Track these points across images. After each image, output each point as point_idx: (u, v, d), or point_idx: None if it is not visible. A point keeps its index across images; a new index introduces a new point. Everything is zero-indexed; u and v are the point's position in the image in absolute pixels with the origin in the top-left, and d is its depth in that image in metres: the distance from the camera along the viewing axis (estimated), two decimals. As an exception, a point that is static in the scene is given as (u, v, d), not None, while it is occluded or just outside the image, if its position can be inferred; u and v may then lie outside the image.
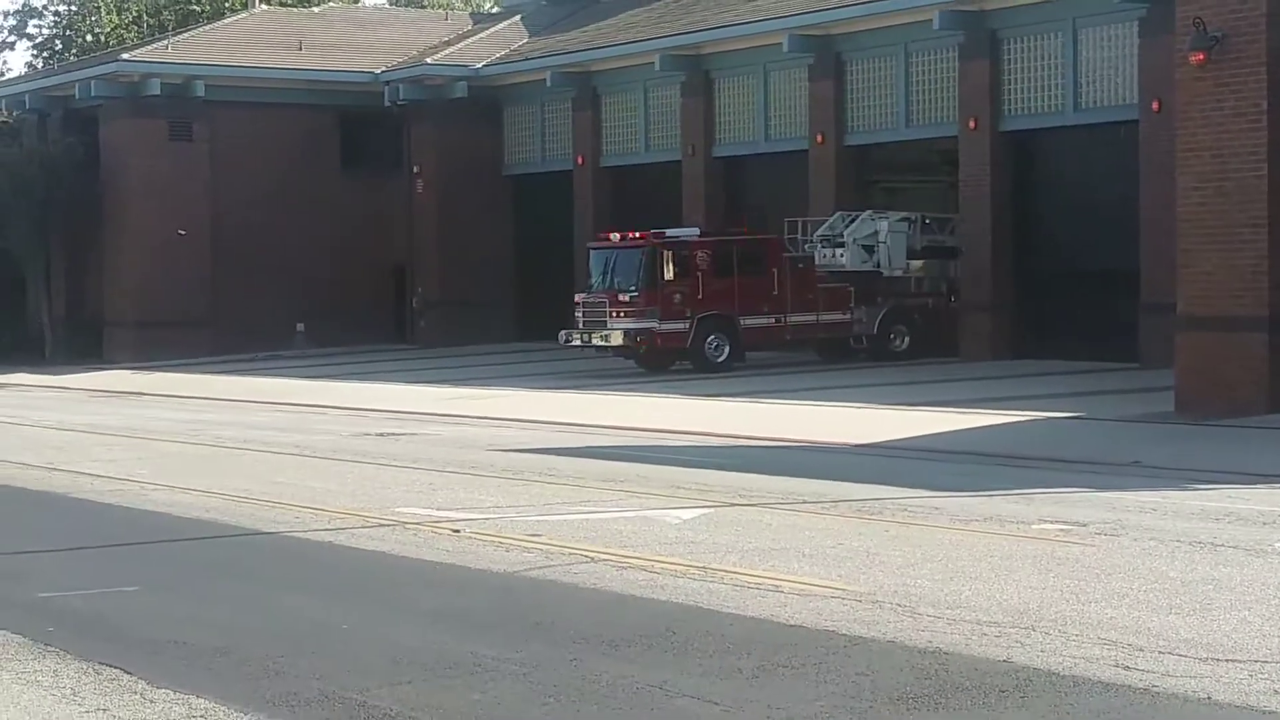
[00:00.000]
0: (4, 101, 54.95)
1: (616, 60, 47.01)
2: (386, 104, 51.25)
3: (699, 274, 36.53)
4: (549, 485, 18.57)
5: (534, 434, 25.55)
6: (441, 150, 50.85)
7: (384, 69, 52.05)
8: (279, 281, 49.61)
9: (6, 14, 73.67)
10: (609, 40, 48.16)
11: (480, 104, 50.82)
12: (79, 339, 51.27)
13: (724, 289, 36.71)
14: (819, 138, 41.45)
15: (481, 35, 54.36)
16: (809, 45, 41.44)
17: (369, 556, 13.96)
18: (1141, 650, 9.83)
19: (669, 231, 37.62)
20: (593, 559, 13.29)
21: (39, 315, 53.37)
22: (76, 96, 51.30)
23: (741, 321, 36.90)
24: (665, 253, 36.42)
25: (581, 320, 37.36)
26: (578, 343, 37.55)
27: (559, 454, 22.17)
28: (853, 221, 38.28)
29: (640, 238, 36.92)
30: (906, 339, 38.26)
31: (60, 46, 71.76)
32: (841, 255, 37.89)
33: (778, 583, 12.08)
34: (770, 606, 11.27)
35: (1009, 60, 37.52)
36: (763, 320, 37.11)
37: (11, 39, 73.60)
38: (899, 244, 37.85)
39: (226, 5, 67.39)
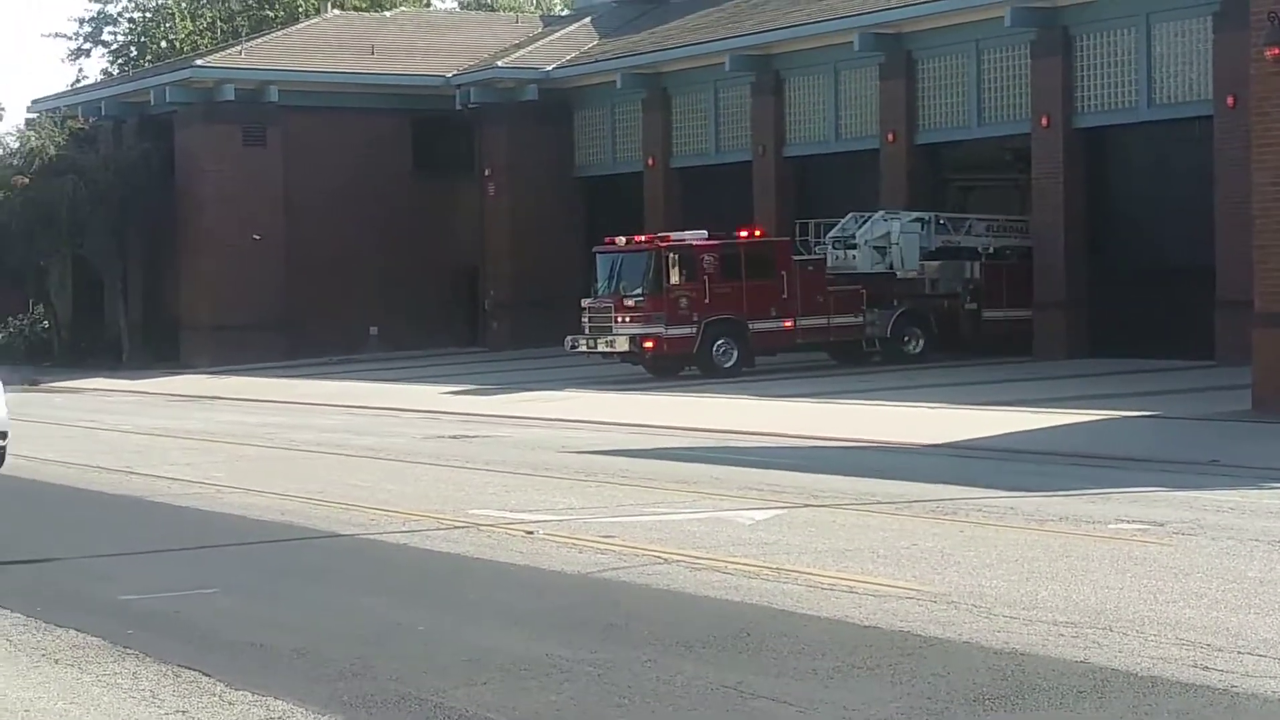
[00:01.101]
0: (80, 108, 55.50)
1: (687, 61, 47.00)
2: (458, 107, 51.45)
3: (706, 277, 35.93)
4: (621, 487, 18.59)
5: (605, 436, 25.58)
6: (512, 152, 51.00)
7: (455, 72, 52.24)
8: (352, 285, 49.89)
9: (82, 21, 74.18)
10: (679, 41, 48.17)
11: (551, 106, 50.93)
12: (155, 343, 51.72)
13: (731, 293, 36.10)
14: (890, 136, 41.30)
15: (552, 37, 54.49)
16: (880, 44, 41.29)
17: (444, 558, 14.02)
18: (1220, 650, 9.76)
19: (675, 235, 37.11)
20: (666, 560, 13.31)
21: (116, 320, 53.89)
22: (152, 103, 51.79)
23: (750, 326, 36.25)
24: (670, 256, 35.84)
25: (588, 325, 36.84)
26: (583, 348, 36.95)
27: (630, 455, 22.19)
28: (865, 223, 37.80)
29: (646, 241, 36.54)
30: (921, 342, 37.47)
31: (135, 53, 72.36)
32: (854, 257, 37.33)
33: (852, 584, 12.05)
34: (845, 607, 11.25)
35: (1081, 56, 37.25)
36: (772, 324, 36.43)
37: (87, 46, 74.23)
38: (912, 245, 37.17)
39: (300, 10, 67.81)
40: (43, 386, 46.79)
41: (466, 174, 52.06)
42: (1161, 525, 14.63)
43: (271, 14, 68.82)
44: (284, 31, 57.98)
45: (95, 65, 74.26)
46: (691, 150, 47.84)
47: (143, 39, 72.23)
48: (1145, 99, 36.06)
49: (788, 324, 36.52)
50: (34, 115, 58.31)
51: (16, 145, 55.11)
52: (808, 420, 25.98)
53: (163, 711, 9.10)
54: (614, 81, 48.60)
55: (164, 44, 70.05)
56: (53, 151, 51.85)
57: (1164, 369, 32.02)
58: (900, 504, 16.49)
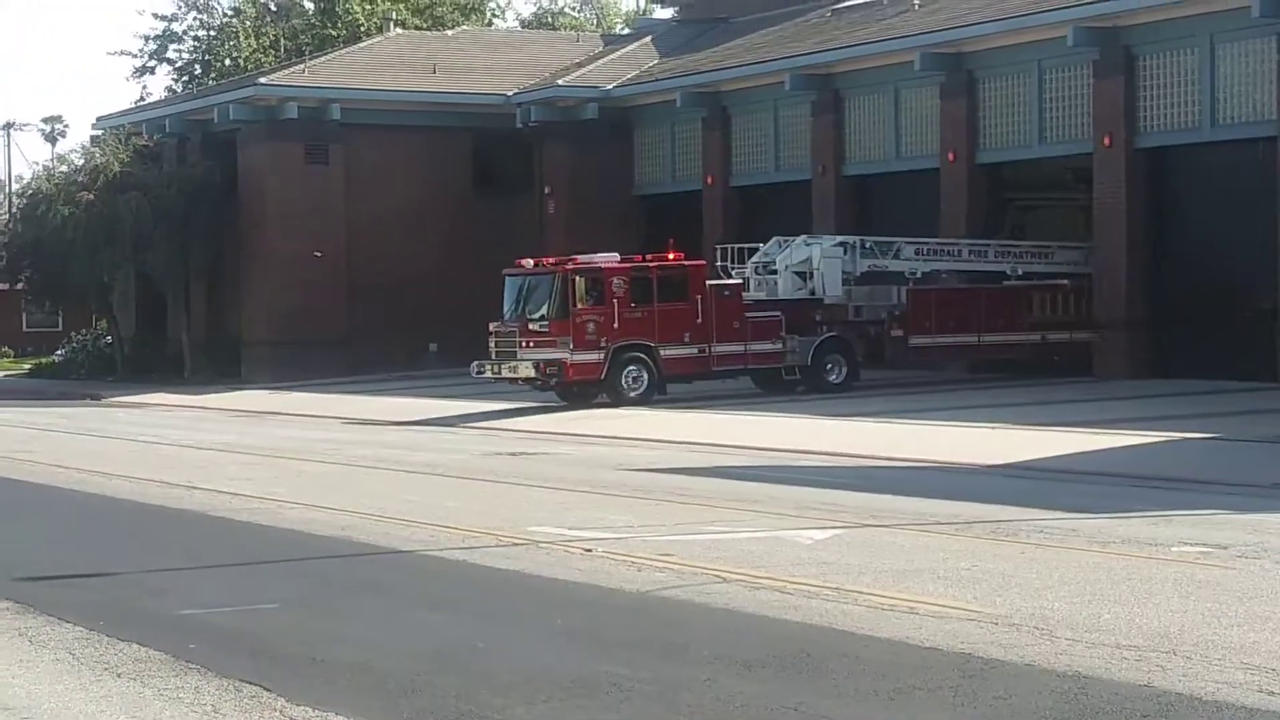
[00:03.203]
0: (145, 125, 55.98)
1: (746, 80, 47.02)
2: (518, 125, 51.61)
3: (615, 301, 34.63)
4: (679, 505, 18.57)
5: (663, 454, 25.58)
6: (572, 171, 51.12)
7: (516, 91, 52.42)
8: (413, 301, 50.07)
9: (148, 39, 74.84)
10: (739, 60, 48.20)
11: (611, 124, 51.02)
12: (217, 359, 52.05)
13: (643, 317, 34.80)
14: (950, 156, 41.17)
15: (612, 56, 54.63)
16: (941, 63, 41.19)
17: (503, 575, 14.04)
18: (1286, 676, 9.66)
19: (582, 257, 35.56)
20: (725, 579, 13.28)
21: (178, 336, 54.27)
22: (215, 120, 52.17)
23: (661, 351, 34.96)
24: (577, 279, 34.59)
25: (493, 350, 35.66)
26: (489, 374, 35.86)
27: (688, 474, 22.18)
28: (787, 247, 37.00)
29: (553, 264, 35.37)
30: (844, 370, 36.32)
31: (199, 71, 73.02)
32: (775, 283, 36.42)
33: (912, 604, 12.00)
34: (905, 628, 11.20)
35: (1144, 76, 37.04)
36: (685, 350, 35.16)
37: (152, 64, 74.94)
38: (833, 270, 36.33)
39: (362, 29, 68.24)
40: (105, 401, 47.18)
41: (526, 192, 52.20)
42: (1225, 548, 14.51)
43: (335, 33, 69.29)
44: (347, 50, 58.36)
45: (160, 83, 74.96)
46: (751, 169, 47.82)
47: (207, 57, 72.86)
48: (1208, 119, 35.82)
49: (702, 350, 35.27)
50: (99, 132, 58.88)
51: (82, 162, 55.65)
52: (867, 440, 25.90)
53: (224, 726, 9.15)
54: (674, 100, 48.66)
55: (228, 62, 70.62)
56: (117, 168, 52.30)
57: (1225, 390, 31.78)
58: (960, 524, 16.40)
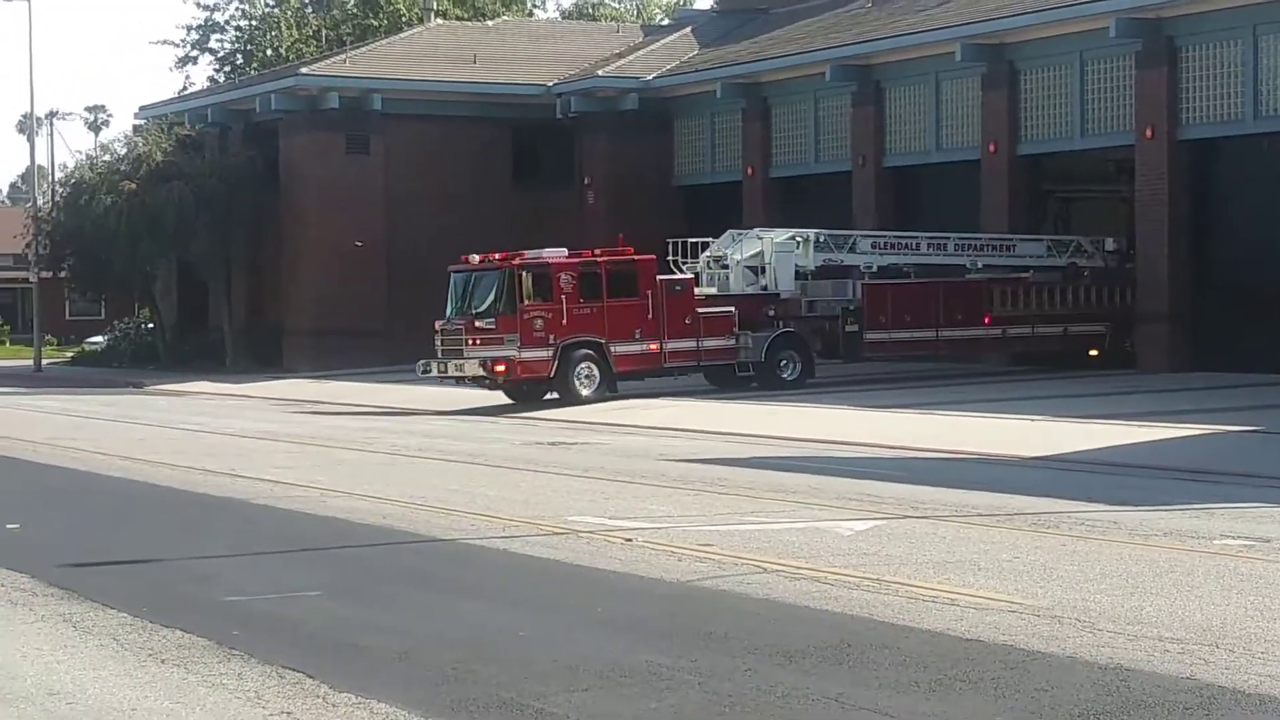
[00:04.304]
0: (187, 115, 56.25)
1: (787, 71, 46.98)
2: (558, 116, 51.68)
3: (563, 297, 33.92)
4: (719, 495, 18.58)
5: (703, 444, 25.59)
6: (612, 161, 51.16)
7: (556, 81, 52.48)
8: (452, 291, 50.12)
9: (190, 29, 75.13)
10: (779, 51, 48.15)
11: (651, 115, 51.05)
12: (258, 348, 52.28)
13: (592, 314, 34.16)
14: (991, 147, 41.06)
15: (652, 47, 54.63)
16: (982, 54, 41.07)
17: (543, 564, 14.08)
18: (1330, 670, 9.62)
19: (530, 253, 34.84)
20: (765, 569, 13.29)
21: (220, 324, 54.51)
22: (257, 110, 52.37)
23: (612, 348, 34.32)
24: (523, 275, 33.85)
25: (440, 349, 34.86)
26: (434, 373, 35.14)
27: (728, 464, 22.18)
28: (739, 241, 36.56)
29: (499, 260, 34.42)
30: (798, 366, 35.71)
31: (241, 61, 73.26)
32: (727, 277, 35.93)
33: (953, 596, 11.98)
34: (946, 620, 11.19)
35: (1187, 68, 36.87)
36: (636, 347, 34.52)
37: (194, 53, 75.25)
38: (786, 264, 35.88)
39: (403, 20, 68.38)
40: (147, 389, 47.43)
41: (566, 182, 52.25)
42: (1268, 541, 14.45)
43: (375, 23, 69.45)
44: (388, 40, 58.49)
45: (202, 73, 75.28)
46: (791, 160, 47.77)
47: (249, 47, 73.10)
48: (1251, 110, 35.64)
49: (653, 346, 34.65)
50: (141, 122, 59.25)
51: (125, 151, 55.94)
52: (908, 431, 25.86)
53: (267, 712, 9.19)
54: (714, 91, 48.64)
55: (269, 52, 70.84)
56: (159, 158, 52.58)
57: (1268, 383, 31.60)
58: (1001, 516, 16.37)
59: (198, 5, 73.80)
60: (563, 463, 22.98)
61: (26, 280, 68.32)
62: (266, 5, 73.87)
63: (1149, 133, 37.15)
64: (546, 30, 63.80)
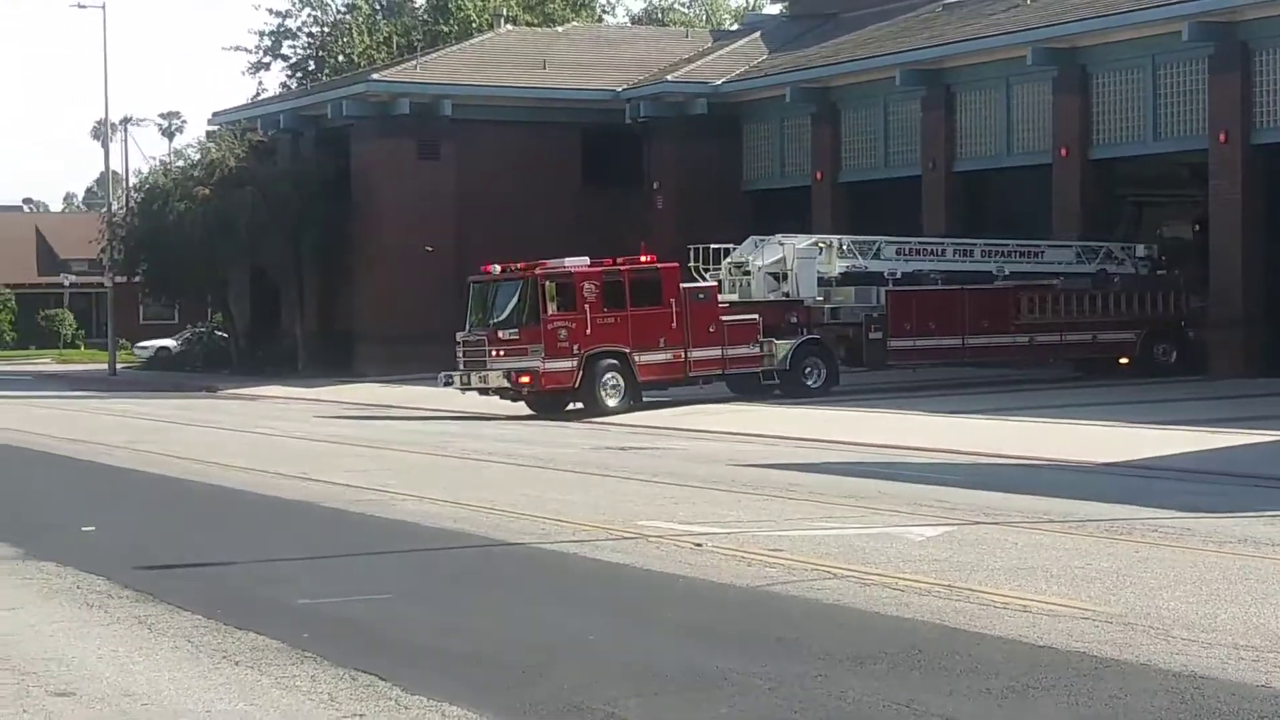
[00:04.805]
0: (260, 121, 56.68)
1: (856, 75, 46.88)
2: (627, 121, 51.76)
3: (586, 307, 33.41)
4: (789, 501, 18.56)
5: (773, 449, 25.56)
6: (681, 166, 51.19)
7: (625, 87, 52.57)
8: (522, 296, 50.24)
9: (262, 35, 75.75)
10: (849, 55, 48.05)
11: (720, 120, 51.05)
12: (330, 353, 52.61)
13: (615, 323, 33.62)
14: (1063, 151, 40.84)
15: (721, 52, 54.63)
16: (1053, 58, 40.87)
17: (614, 569, 14.10)
18: None
19: (552, 262, 34.35)
20: (835, 575, 13.26)
21: (292, 329, 54.89)
22: (329, 116, 52.73)
23: (636, 358, 33.80)
24: (547, 284, 33.39)
25: (461, 360, 34.44)
26: (457, 385, 34.53)
27: (798, 469, 22.14)
28: (761, 248, 36.16)
29: (521, 269, 34.06)
30: (822, 374, 35.34)
31: (313, 67, 73.79)
32: (749, 284, 35.49)
33: (1025, 602, 11.93)
34: (1018, 626, 11.14)
35: (1261, 72, 36.57)
36: (660, 356, 33.97)
37: (267, 60, 75.86)
38: (808, 271, 35.45)
39: (474, 26, 68.67)
40: (221, 393, 47.81)
41: (635, 187, 52.31)
42: (1345, 550, 14.30)
43: (446, 29, 69.79)
44: (458, 47, 58.78)
45: (274, 79, 75.81)
46: (860, 165, 47.67)
47: (321, 53, 73.63)
48: (1328, 114, 35.32)
49: (677, 355, 34.14)
50: (215, 128, 59.72)
51: (198, 157, 56.44)
52: (977, 437, 25.73)
53: (340, 714, 9.25)
54: (783, 96, 48.60)
55: (341, 58, 71.33)
56: (233, 164, 53.01)
57: (1346, 390, 31.26)
58: (1074, 523, 16.27)
59: (270, 12, 74.56)
60: (632, 467, 23.00)
61: (101, 285, 69.02)
62: (338, 12, 74.41)
63: (1222, 137, 36.85)
64: (615, 35, 63.92)
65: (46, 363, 77.56)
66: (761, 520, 16.85)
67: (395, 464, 24.30)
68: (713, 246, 36.58)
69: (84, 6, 62.07)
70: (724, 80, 51.09)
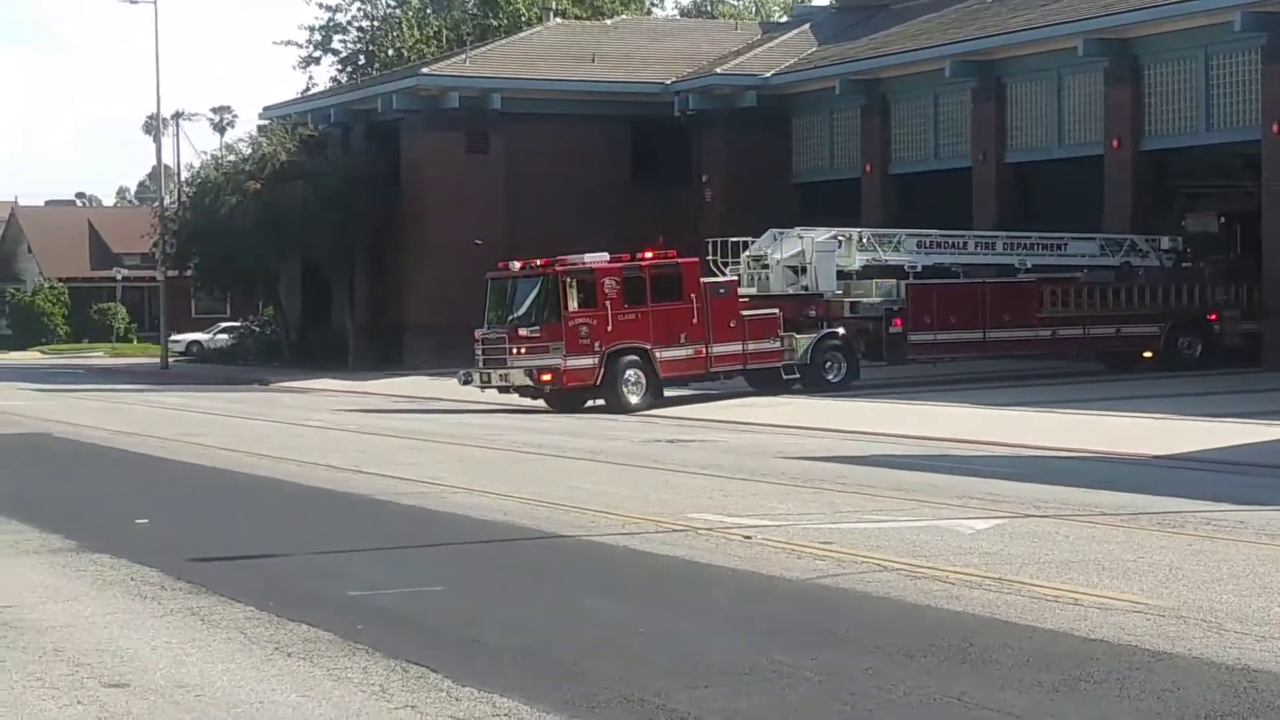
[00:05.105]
0: (310, 115, 56.93)
1: (906, 67, 46.74)
2: (676, 114, 51.74)
3: (607, 303, 33.15)
4: (839, 493, 18.53)
5: (821, 442, 25.52)
6: (730, 159, 51.15)
7: (674, 79, 52.55)
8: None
9: (313, 30, 76.03)
10: (899, 47, 47.91)
11: (769, 113, 50.98)
12: (380, 345, 52.81)
13: (636, 319, 33.36)
14: (1114, 142, 40.64)
15: (771, 44, 54.55)
16: (1104, 49, 40.66)
17: (663, 561, 14.11)
18: None
19: (572, 257, 34.01)
20: (885, 568, 13.24)
21: (343, 322, 55.12)
22: (379, 110, 52.90)
23: (657, 354, 33.50)
24: (567, 281, 33.15)
25: (481, 358, 34.26)
26: (477, 384, 34.43)
27: (847, 462, 22.10)
28: (780, 241, 35.85)
29: (541, 265, 33.85)
30: (843, 368, 35.01)
31: (363, 61, 74.02)
32: (767, 278, 35.14)
33: (1076, 596, 11.88)
34: (1069, 620, 11.10)
35: (1316, 61, 36.29)
36: (681, 352, 33.68)
37: (318, 55, 76.11)
38: (827, 264, 35.11)
39: (522, 19, 68.77)
40: (272, 386, 48.06)
41: (684, 180, 52.30)
42: (1400, 543, 14.19)
43: (495, 23, 69.89)
44: (507, 40, 58.88)
45: (324, 73, 76.00)
46: (910, 157, 47.54)
47: (371, 48, 73.85)
48: (1384, 103, 35.01)
49: (699, 351, 33.86)
50: (266, 122, 60.02)
51: (249, 151, 56.72)
52: (1023, 430, 25.64)
53: (392, 705, 9.29)
54: (833, 88, 48.50)
55: (391, 53, 71.52)
56: (284, 158, 53.26)
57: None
58: (1125, 515, 16.19)
59: (320, 6, 74.70)
60: (682, 460, 23.01)
61: (154, 279, 69.46)
62: (388, 6, 74.59)
63: (1275, 127, 36.58)
64: (665, 28, 63.90)
65: (99, 356, 78.16)
66: (811, 513, 16.84)
67: (446, 457, 24.38)
68: (731, 240, 36.30)
69: (136, 2, 62.43)
70: (773, 72, 51.01)
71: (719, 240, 36.38)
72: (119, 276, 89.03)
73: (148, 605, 12.44)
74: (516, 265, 34.35)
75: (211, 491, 20.87)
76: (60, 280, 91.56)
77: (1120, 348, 37.72)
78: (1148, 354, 37.54)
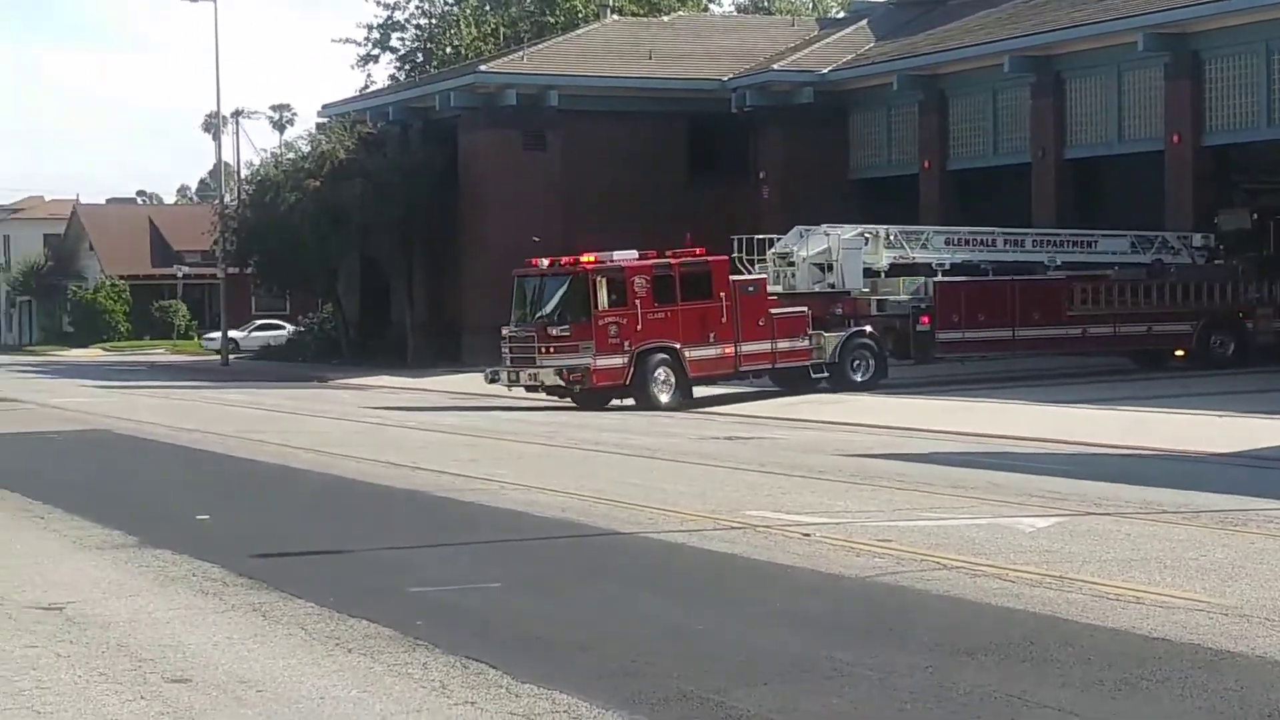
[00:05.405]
0: (369, 113, 57.15)
1: (965, 62, 46.54)
2: (733, 110, 51.67)
3: (637, 302, 33.05)
4: (898, 491, 18.48)
5: (879, 439, 25.46)
6: (787, 155, 51.04)
7: (731, 76, 52.48)
8: (628, 286, 50.33)
9: (371, 28, 76.28)
10: (957, 42, 47.71)
11: (826, 109, 50.84)
12: (438, 343, 52.97)
13: (665, 318, 33.19)
14: (1175, 138, 40.34)
15: (828, 40, 54.41)
16: (1165, 43, 40.37)
17: (721, 558, 14.11)
18: None
19: (601, 255, 33.83)
20: (945, 566, 13.19)
21: (401, 320, 55.31)
22: (437, 108, 53.05)
23: (686, 353, 33.33)
24: (598, 279, 32.99)
25: (508, 357, 34.17)
26: (504, 382, 34.43)
27: (905, 459, 22.04)
28: (806, 238, 35.51)
29: (570, 263, 33.69)
30: (871, 366, 34.70)
31: (421, 59, 74.23)
32: (794, 276, 34.86)
33: (1138, 594, 11.81)
34: (1131, 618, 11.03)
35: (1380, 54, 35.93)
36: (710, 351, 33.48)
37: (376, 52, 76.39)
38: (854, 262, 34.79)
39: (580, 16, 68.82)
40: (331, 383, 48.29)
41: (741, 176, 52.24)
42: None
43: (552, 20, 69.96)
44: (564, 37, 58.93)
45: (382, 71, 76.13)
46: (968, 153, 47.33)
47: (429, 45, 74.04)
48: None
49: (728, 350, 33.65)
50: (324, 120, 60.30)
51: (309, 149, 57.00)
52: (1087, 427, 25.50)
53: (452, 701, 9.32)
54: (890, 84, 48.33)
55: (449, 50, 71.70)
56: (342, 155, 53.49)
57: None
58: (1187, 513, 16.08)
59: (379, 4, 74.94)
60: (739, 457, 22.99)
61: (214, 276, 69.92)
62: (446, 4, 74.79)
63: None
64: (721, 24, 63.83)
65: (160, 353, 78.73)
66: (870, 510, 16.80)
67: (504, 453, 24.44)
68: (757, 237, 36.01)
69: (195, 0, 62.80)
70: (831, 68, 50.88)
71: (744, 238, 36.13)
72: (179, 274, 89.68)
73: (210, 601, 12.53)
74: (545, 263, 34.27)
75: (271, 488, 21.00)
76: (121, 278, 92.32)
77: (1152, 346, 37.46)
78: (1179, 352, 37.26)
